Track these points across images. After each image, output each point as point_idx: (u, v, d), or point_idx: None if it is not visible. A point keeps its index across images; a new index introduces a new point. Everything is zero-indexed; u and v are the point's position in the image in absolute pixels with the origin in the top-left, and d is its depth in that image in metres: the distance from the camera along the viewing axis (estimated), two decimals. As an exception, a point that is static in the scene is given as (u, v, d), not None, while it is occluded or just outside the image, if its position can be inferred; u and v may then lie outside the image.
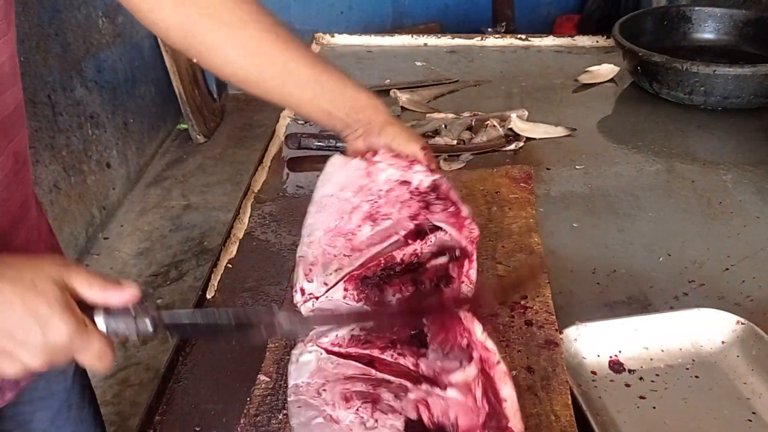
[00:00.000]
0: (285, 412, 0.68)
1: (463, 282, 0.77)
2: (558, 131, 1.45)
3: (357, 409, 0.65)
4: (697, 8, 1.76)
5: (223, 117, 4.10)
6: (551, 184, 1.26)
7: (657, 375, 0.82)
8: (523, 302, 0.82)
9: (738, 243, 1.08)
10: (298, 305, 0.77)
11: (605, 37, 1.88)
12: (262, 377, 0.72)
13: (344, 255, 0.78)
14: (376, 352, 0.72)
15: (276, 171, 1.34)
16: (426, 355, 0.72)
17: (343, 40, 1.98)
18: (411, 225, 0.80)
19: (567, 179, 1.28)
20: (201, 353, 0.89)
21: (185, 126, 3.76)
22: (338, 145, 1.38)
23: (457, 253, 0.80)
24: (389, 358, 0.72)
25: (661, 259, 1.04)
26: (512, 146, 1.38)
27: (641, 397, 0.79)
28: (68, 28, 2.76)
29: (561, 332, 0.81)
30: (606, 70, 1.74)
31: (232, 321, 0.59)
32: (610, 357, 0.83)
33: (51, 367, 0.58)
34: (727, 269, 1.02)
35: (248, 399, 0.69)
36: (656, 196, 1.22)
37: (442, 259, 0.81)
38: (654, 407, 0.78)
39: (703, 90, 1.48)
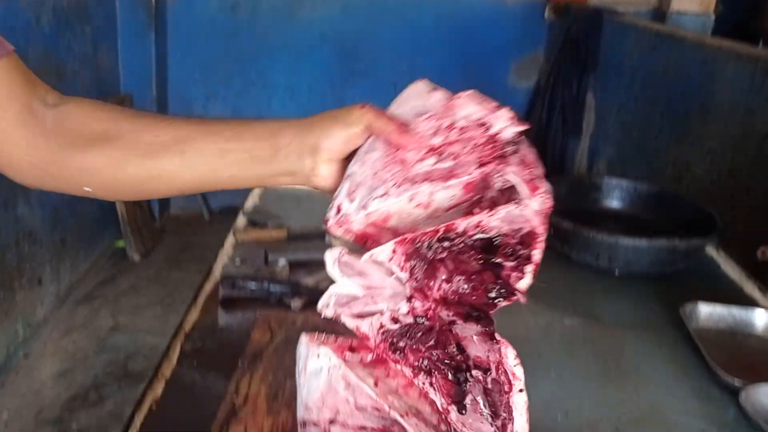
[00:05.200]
0: None
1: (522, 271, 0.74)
2: (476, 286, 1.57)
3: None
4: (606, 179, 1.96)
5: (161, 237, 4.14)
6: (466, 338, 1.36)
7: None
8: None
9: (629, 405, 1.18)
10: (329, 223, 0.73)
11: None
12: None
13: (394, 184, 0.72)
14: (406, 371, 0.72)
15: (209, 310, 1.39)
16: (461, 403, 0.72)
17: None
18: (476, 173, 0.73)
19: (481, 334, 1.38)
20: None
21: (122, 244, 3.78)
22: (272, 289, 1.46)
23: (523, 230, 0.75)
24: (419, 383, 0.71)
25: (559, 419, 1.13)
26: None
27: None
28: (17, 146, 2.82)
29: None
30: (524, 229, 1.90)
31: None
32: None
33: None
34: (617, 430, 1.11)
35: None
36: (559, 356, 1.33)
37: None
38: None
39: (607, 256, 1.64)
